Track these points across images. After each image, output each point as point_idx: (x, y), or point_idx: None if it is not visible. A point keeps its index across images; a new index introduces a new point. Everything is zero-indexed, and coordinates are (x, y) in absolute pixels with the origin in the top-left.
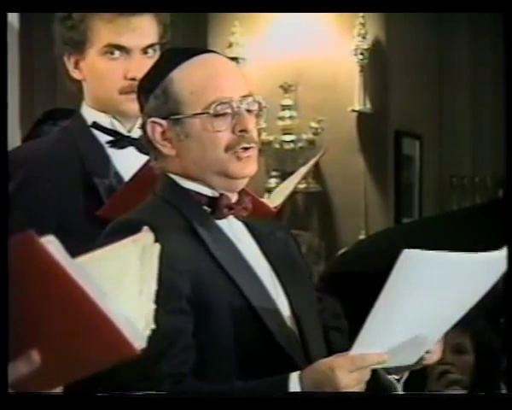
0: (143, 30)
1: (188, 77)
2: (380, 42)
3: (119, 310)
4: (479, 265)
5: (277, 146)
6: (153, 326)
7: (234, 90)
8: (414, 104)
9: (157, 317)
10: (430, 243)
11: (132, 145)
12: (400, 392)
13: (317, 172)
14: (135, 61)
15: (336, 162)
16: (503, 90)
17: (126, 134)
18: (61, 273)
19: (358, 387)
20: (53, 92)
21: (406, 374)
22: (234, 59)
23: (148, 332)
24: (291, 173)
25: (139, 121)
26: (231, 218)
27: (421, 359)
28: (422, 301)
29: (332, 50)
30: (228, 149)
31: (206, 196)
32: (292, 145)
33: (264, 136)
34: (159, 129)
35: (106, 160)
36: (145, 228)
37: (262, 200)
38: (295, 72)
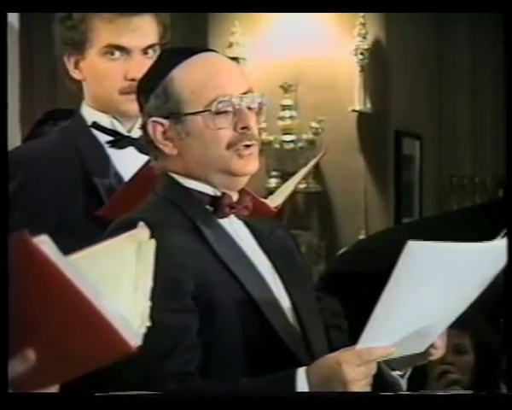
0: (143, 30)
1: (188, 76)
2: (380, 42)
3: (114, 307)
4: (483, 254)
5: (277, 146)
6: (148, 324)
7: (234, 87)
8: (414, 104)
9: (162, 315)
10: None
11: (132, 145)
12: (404, 387)
13: (317, 172)
14: (135, 62)
15: (336, 162)
16: (503, 90)
17: (126, 134)
18: (54, 273)
19: (366, 381)
20: (53, 92)
21: (410, 370)
22: (234, 59)
23: (143, 330)
24: (291, 173)
25: (139, 121)
26: (232, 217)
27: (428, 354)
28: (427, 293)
29: (332, 50)
30: (229, 146)
31: (208, 195)
32: (292, 145)
33: (264, 136)
34: (160, 128)
35: (106, 160)
36: (141, 224)
37: (262, 200)
38: (295, 72)
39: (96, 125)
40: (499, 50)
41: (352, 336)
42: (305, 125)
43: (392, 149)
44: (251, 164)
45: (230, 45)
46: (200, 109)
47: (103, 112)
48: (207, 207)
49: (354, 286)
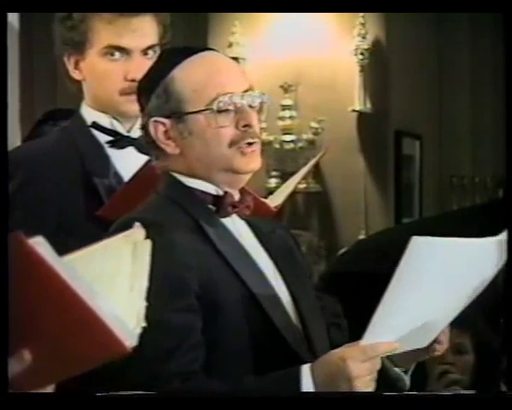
0: (144, 31)
1: (188, 75)
2: (380, 42)
3: (109, 308)
4: (486, 248)
5: (277, 146)
6: (144, 324)
7: (235, 85)
8: (414, 104)
9: (167, 315)
10: None
11: (132, 145)
12: (408, 384)
13: (317, 172)
14: (135, 63)
15: (336, 162)
16: (503, 90)
17: (126, 134)
18: (50, 273)
19: (370, 377)
20: (53, 92)
21: (413, 366)
22: (234, 59)
23: (139, 330)
24: (291, 173)
25: (139, 121)
26: (234, 216)
27: (433, 349)
28: (432, 288)
29: (332, 50)
30: (232, 144)
31: (210, 194)
32: (292, 145)
33: (264, 136)
34: (161, 128)
35: (105, 160)
36: (136, 224)
37: (262, 199)
38: (295, 72)
39: (95, 126)
40: (499, 50)
41: (352, 336)
42: (305, 125)
43: (392, 149)
44: (253, 161)
45: (230, 45)
46: (202, 108)
47: (103, 112)
48: (210, 206)
49: (354, 286)
